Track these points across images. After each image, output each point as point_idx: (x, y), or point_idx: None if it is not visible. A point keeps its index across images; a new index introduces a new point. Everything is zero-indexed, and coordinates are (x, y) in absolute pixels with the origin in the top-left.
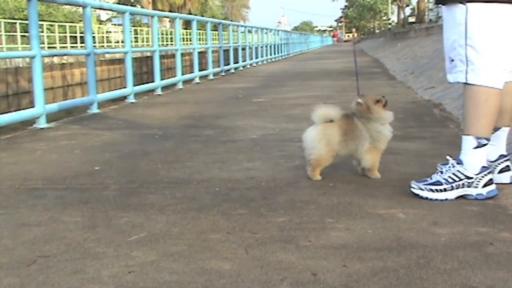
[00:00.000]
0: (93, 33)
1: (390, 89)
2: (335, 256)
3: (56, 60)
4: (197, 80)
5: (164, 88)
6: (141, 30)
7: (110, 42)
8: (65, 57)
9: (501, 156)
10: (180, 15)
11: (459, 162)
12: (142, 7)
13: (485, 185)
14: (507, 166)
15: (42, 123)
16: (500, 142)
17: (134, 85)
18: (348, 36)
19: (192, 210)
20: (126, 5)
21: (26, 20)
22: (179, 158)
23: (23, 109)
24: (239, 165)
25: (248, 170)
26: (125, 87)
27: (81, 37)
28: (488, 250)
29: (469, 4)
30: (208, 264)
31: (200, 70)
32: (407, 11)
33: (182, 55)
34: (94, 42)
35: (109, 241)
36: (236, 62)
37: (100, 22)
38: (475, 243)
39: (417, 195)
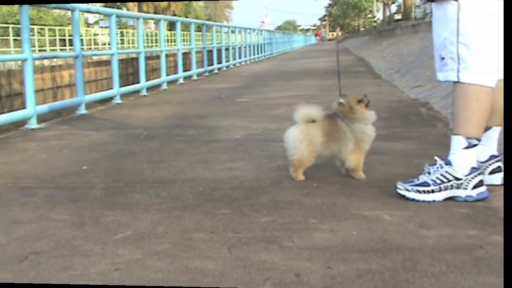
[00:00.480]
0: (81, 36)
1: (375, 88)
2: (319, 257)
3: (46, 62)
4: (181, 80)
5: (149, 89)
6: (127, 32)
7: (98, 44)
8: (54, 60)
9: (492, 156)
10: (164, 17)
11: (448, 163)
12: (128, 9)
13: (475, 187)
14: (499, 167)
15: (33, 124)
16: (491, 142)
17: (120, 86)
18: (332, 34)
19: (176, 210)
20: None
21: (19, 24)
22: (164, 158)
23: (16, 110)
24: (222, 165)
25: (231, 170)
26: (111, 88)
27: (69, 40)
28: (478, 253)
29: (461, 0)
30: (192, 263)
31: (184, 70)
32: (393, 8)
33: (167, 56)
34: (82, 45)
35: (96, 239)
36: (219, 62)
37: (88, 25)
38: (464, 246)
39: (403, 196)
